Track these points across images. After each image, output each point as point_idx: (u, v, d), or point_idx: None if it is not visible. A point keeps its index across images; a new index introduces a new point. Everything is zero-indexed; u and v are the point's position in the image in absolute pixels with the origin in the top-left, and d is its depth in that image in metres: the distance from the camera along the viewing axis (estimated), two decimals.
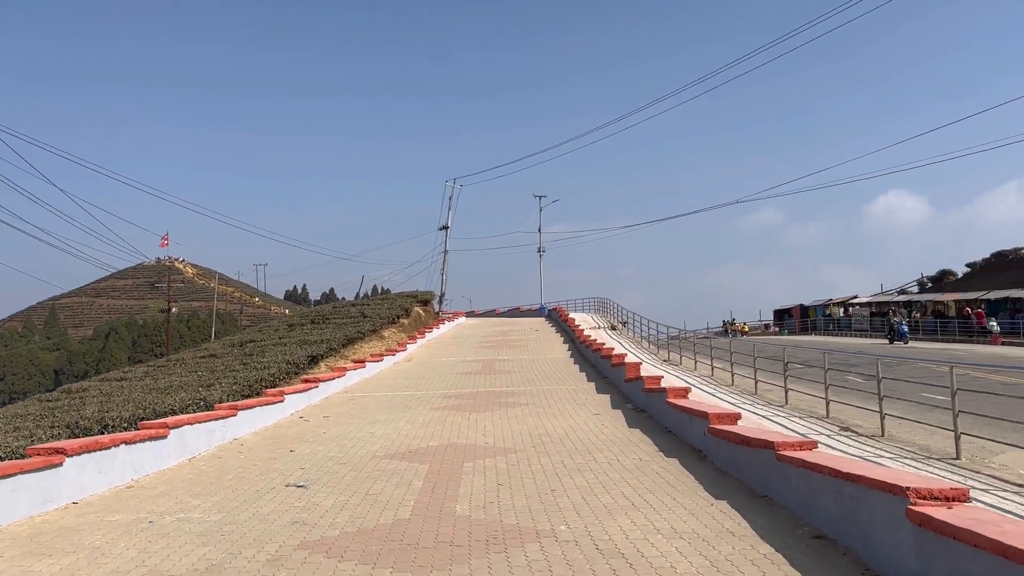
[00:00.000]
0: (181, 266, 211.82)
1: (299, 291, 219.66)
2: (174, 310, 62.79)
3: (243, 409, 12.06)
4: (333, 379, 17.50)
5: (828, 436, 10.57)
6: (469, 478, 8.20)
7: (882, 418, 10.46)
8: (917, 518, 4.32)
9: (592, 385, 17.02)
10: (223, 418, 11.32)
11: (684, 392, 11.26)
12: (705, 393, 15.02)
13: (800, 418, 12.29)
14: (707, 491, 7.20)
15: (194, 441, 10.41)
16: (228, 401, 14.53)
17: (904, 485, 4.61)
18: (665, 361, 23.41)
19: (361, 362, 20.71)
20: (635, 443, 10.02)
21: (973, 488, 6.69)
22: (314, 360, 23.36)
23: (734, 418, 8.86)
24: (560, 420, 12.31)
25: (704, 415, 8.99)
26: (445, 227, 67.91)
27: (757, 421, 11.28)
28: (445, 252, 67.23)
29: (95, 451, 8.19)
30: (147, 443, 9.22)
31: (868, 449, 9.50)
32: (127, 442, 8.79)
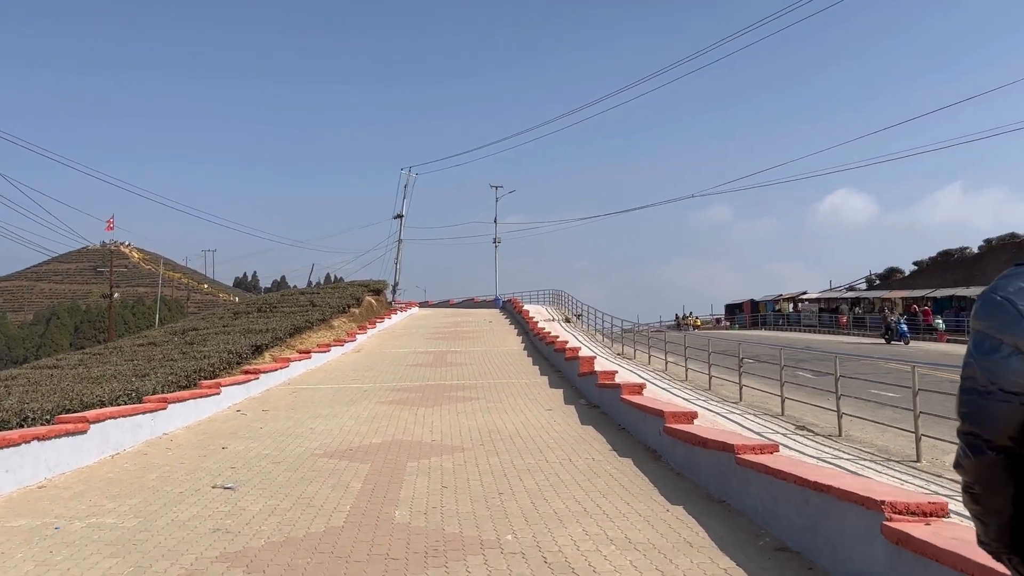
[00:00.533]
0: (127, 250, 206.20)
1: (249, 278, 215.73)
2: (116, 295, 60.83)
3: (174, 402, 11.36)
4: (276, 370, 16.81)
5: (784, 435, 10.31)
6: (412, 479, 7.70)
7: (839, 418, 10.23)
8: (894, 536, 3.96)
9: (545, 379, 16.62)
10: (152, 411, 10.63)
11: (639, 388, 10.90)
12: (660, 389, 14.74)
13: (755, 415, 12.05)
14: (662, 495, 6.82)
15: (118, 436, 9.71)
16: (163, 392, 13.78)
17: (879, 499, 4.25)
18: (619, 355, 23.14)
19: (307, 352, 20.01)
20: (588, 441, 9.63)
21: (939, 495, 6.41)
22: (258, 350, 22.54)
23: (690, 417, 8.51)
24: (511, 416, 11.87)
25: (659, 413, 8.62)
26: (400, 216, 67.02)
27: (712, 419, 10.98)
28: (399, 241, 66.37)
29: (2, 448, 7.49)
30: (64, 439, 8.52)
31: (826, 450, 9.24)
32: (40, 438, 8.08)
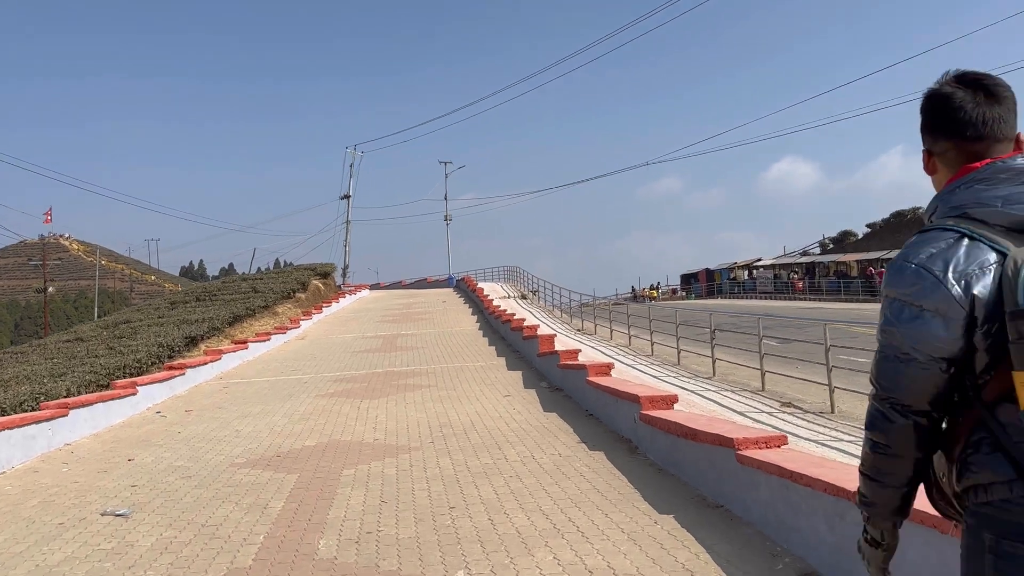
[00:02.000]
0: (67, 243, 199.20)
1: (195, 267, 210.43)
2: (51, 289, 57.99)
3: (79, 407, 9.89)
4: (205, 364, 15.32)
5: (770, 414, 9.27)
6: (346, 493, 6.43)
7: (831, 392, 9.22)
8: None
9: (502, 361, 15.42)
10: (49, 419, 9.15)
11: (607, 369, 9.75)
12: (625, 366, 13.64)
13: (732, 392, 11.01)
14: (647, 500, 5.66)
15: (5, 452, 8.25)
16: (78, 395, 12.25)
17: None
18: (579, 331, 22.06)
19: (243, 343, 18.49)
20: (552, 432, 8.45)
21: None
22: (192, 342, 20.87)
23: (670, 401, 7.37)
24: (465, 405, 10.65)
25: (634, 398, 7.47)
26: (347, 196, 64.99)
27: (689, 399, 9.89)
28: (347, 222, 64.40)
29: None
30: None
31: (823, 432, 8.19)
32: None
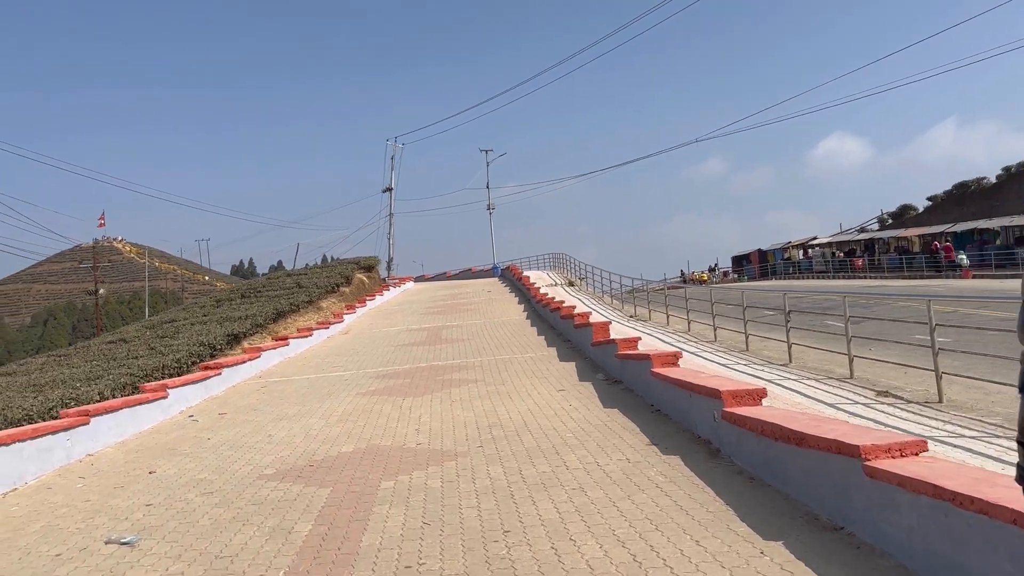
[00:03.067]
0: (120, 245, 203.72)
1: (245, 265, 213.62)
2: (102, 291, 58.68)
3: (101, 414, 9.18)
4: (244, 362, 14.63)
5: (866, 406, 8.12)
6: (383, 512, 5.53)
7: (938, 379, 8.02)
8: None
9: (553, 351, 14.44)
10: (67, 429, 8.45)
11: (673, 358, 8.69)
12: (689, 355, 12.53)
13: (816, 381, 9.84)
14: (744, 521, 4.63)
15: (17, 467, 7.56)
16: (114, 398, 11.64)
17: None
18: (632, 317, 20.95)
19: (284, 339, 17.81)
20: (616, 432, 7.45)
21: None
22: (235, 339, 20.35)
23: (757, 396, 6.30)
24: (516, 401, 9.70)
25: (714, 393, 6.42)
26: (389, 189, 64.44)
27: (769, 390, 8.76)
28: (390, 215, 63.91)
29: None
30: None
31: (939, 428, 7.00)
32: None
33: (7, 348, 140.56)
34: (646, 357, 8.84)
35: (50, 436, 8.13)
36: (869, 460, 4.01)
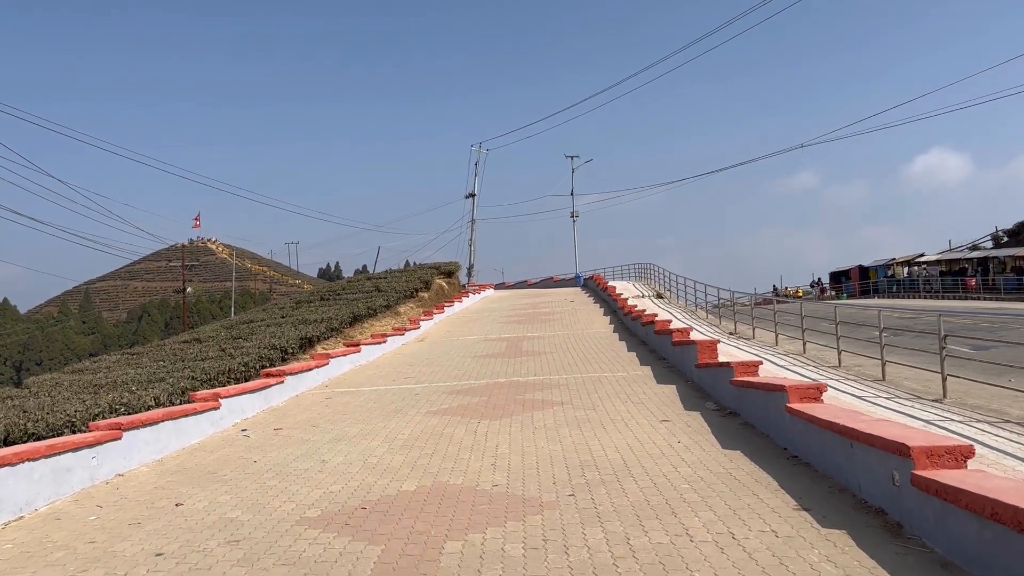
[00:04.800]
0: (214, 246, 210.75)
1: (332, 268, 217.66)
2: (189, 290, 59.79)
3: (137, 427, 8.06)
4: (310, 369, 13.51)
5: None
6: None
7: None
8: None
9: (647, 371, 12.80)
10: (93, 445, 7.33)
11: (816, 392, 6.97)
12: (798, 377, 10.68)
13: (991, 424, 7.93)
14: None
15: (26, 489, 6.45)
16: (171, 404, 10.65)
17: None
18: (732, 334, 19.05)
19: (355, 345, 16.69)
20: (747, 487, 5.81)
21: None
22: (309, 343, 19.41)
23: (961, 456, 4.58)
24: (612, 433, 8.14)
25: (898, 447, 4.73)
26: (472, 195, 63.92)
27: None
28: (472, 221, 63.28)
29: None
30: None
31: None
32: None
33: (104, 342, 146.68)
34: (779, 388, 7.15)
35: (70, 454, 7.01)
36: None
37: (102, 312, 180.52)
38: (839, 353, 12.73)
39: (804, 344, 14.72)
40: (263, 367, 15.59)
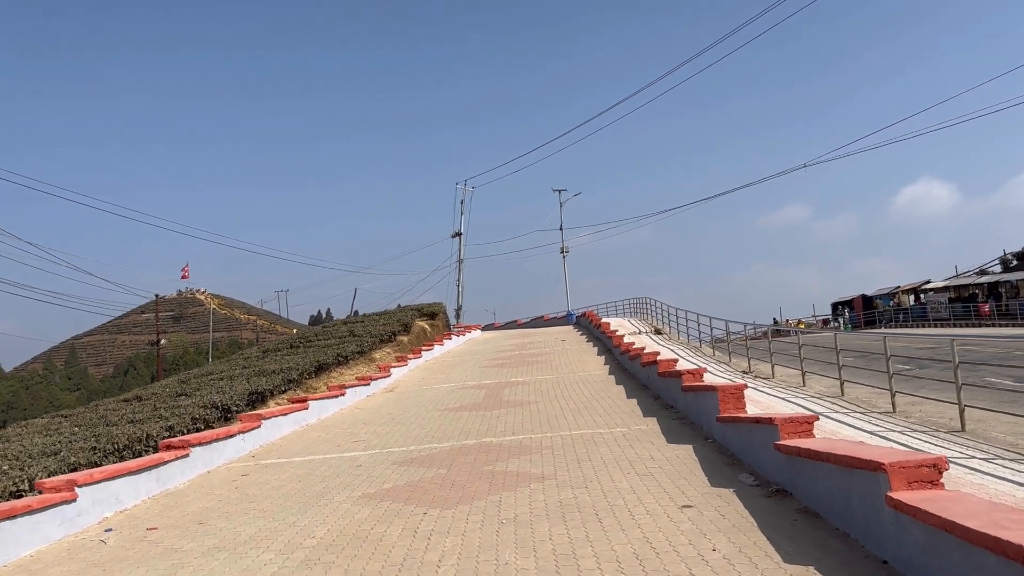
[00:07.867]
0: (203, 297, 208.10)
1: (323, 315, 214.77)
2: (164, 342, 57.08)
3: None
4: (232, 436, 10.87)
5: None
6: None
7: None
8: None
9: (652, 424, 10.21)
10: None
11: (931, 474, 4.39)
12: (866, 435, 8.12)
13: None
14: None
15: None
16: (32, 495, 8.00)
17: None
18: (746, 372, 16.46)
19: (302, 401, 14.02)
20: None
21: None
22: (260, 399, 16.78)
23: None
24: (612, 529, 5.54)
25: None
26: (458, 234, 61.83)
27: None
28: (460, 261, 61.07)
29: None
30: None
31: None
32: None
33: (90, 398, 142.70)
34: (869, 465, 4.56)
35: None
36: None
37: (88, 367, 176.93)
38: (892, 395, 10.13)
39: (841, 384, 12.10)
40: (195, 428, 13.01)
